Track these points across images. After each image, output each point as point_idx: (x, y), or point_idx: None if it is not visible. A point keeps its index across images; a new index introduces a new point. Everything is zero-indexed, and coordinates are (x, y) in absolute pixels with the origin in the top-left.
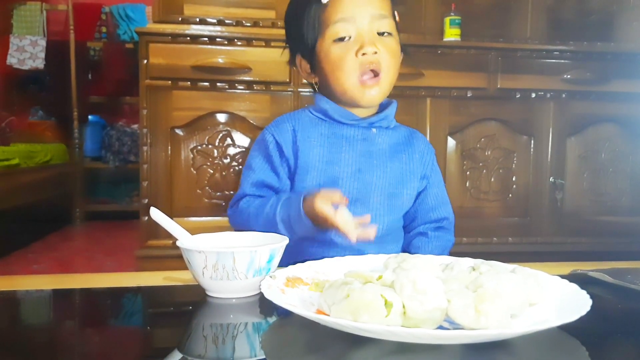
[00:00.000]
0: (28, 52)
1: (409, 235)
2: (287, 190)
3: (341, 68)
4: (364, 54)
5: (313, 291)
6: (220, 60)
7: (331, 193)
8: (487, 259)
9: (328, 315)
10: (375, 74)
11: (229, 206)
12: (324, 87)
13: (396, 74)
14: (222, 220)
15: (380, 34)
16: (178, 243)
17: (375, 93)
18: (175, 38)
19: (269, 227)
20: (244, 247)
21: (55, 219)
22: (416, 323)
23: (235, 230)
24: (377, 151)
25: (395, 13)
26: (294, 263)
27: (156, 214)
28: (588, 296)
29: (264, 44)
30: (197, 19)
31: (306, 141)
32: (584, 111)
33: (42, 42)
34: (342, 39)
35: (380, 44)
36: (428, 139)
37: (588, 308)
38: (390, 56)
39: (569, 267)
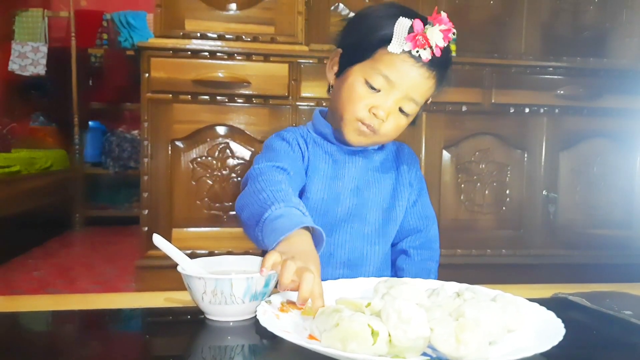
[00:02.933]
0: (29, 58)
1: (394, 250)
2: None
3: (353, 103)
4: (374, 113)
5: (306, 315)
6: (220, 75)
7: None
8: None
9: (319, 340)
10: (373, 131)
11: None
12: (332, 100)
13: (393, 137)
14: (221, 231)
15: (401, 110)
16: (179, 268)
17: (364, 141)
18: (177, 52)
19: (252, 206)
20: (242, 273)
21: (55, 224)
22: (401, 351)
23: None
24: (372, 167)
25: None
26: None
27: (158, 241)
28: (562, 325)
29: (263, 59)
30: (198, 34)
31: (314, 157)
32: (576, 126)
33: (44, 49)
34: (372, 86)
35: (392, 117)
36: (423, 152)
37: (560, 338)
38: (394, 129)
39: (552, 290)
